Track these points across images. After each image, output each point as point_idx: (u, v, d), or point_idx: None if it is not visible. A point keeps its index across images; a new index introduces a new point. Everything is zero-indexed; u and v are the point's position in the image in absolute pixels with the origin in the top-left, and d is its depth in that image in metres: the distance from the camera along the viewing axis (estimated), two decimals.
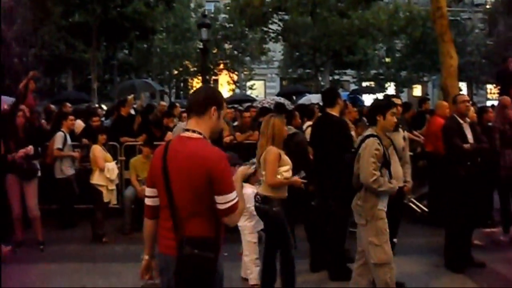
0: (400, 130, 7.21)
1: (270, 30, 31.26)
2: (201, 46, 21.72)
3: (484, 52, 41.82)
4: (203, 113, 3.62)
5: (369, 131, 5.98)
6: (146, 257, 3.86)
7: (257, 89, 44.50)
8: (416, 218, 10.39)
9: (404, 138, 7.20)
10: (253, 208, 6.42)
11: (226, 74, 41.94)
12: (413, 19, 33.84)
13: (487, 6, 46.22)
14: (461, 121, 7.75)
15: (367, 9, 28.60)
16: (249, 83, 43.43)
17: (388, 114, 5.97)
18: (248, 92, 40.62)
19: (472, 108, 8.77)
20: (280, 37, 31.62)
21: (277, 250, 6.28)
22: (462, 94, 8.44)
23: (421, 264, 7.72)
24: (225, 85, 42.41)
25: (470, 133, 7.77)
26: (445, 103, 10.22)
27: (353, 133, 8.76)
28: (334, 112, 7.24)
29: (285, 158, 6.15)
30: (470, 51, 42.89)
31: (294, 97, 25.14)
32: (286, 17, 30.14)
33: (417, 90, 48.97)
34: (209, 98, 3.68)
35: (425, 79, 44.37)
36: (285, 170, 6.09)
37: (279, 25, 30.90)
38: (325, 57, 31.67)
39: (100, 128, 10.45)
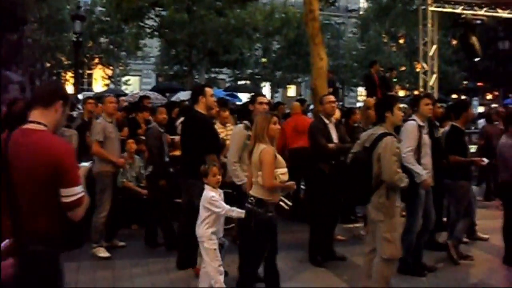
0: None
1: (146, 26, 30.82)
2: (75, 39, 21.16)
3: (355, 55, 43.51)
4: (49, 106, 3.52)
5: (380, 129, 6.15)
6: None
7: (133, 85, 43.84)
8: (282, 214, 10.62)
9: None
10: (217, 211, 6.18)
11: (100, 69, 40.98)
12: (288, 20, 34.63)
13: (360, 12, 48.15)
14: (327, 121, 8.04)
15: (243, 9, 28.89)
16: (124, 79, 42.69)
17: (396, 109, 6.21)
18: (123, 87, 39.93)
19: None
20: (156, 32, 31.24)
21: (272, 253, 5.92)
22: (328, 95, 8.71)
23: (286, 259, 7.85)
24: (99, 80, 41.50)
25: (335, 133, 8.07)
26: (297, 104, 11.03)
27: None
28: (200, 108, 7.28)
29: (280, 159, 5.82)
30: (342, 55, 44.48)
31: (167, 94, 25.08)
32: (164, 13, 29.86)
33: (292, 91, 50.19)
34: (57, 92, 3.63)
35: (299, 80, 45.55)
36: (282, 173, 5.71)
37: (155, 21, 30.54)
38: (201, 55, 31.68)
39: None
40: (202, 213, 6.30)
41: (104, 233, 8.27)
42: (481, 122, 17.84)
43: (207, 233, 6.25)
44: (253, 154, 5.75)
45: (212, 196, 6.23)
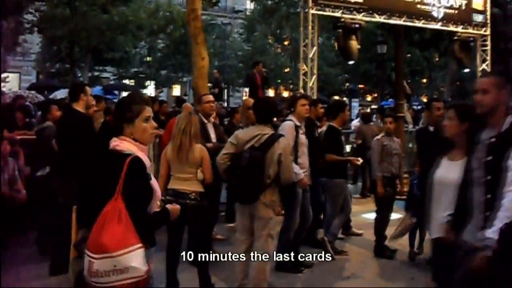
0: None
1: (25, 20, 29.63)
2: None
3: (241, 56, 43.89)
4: None
5: (267, 129, 6.31)
6: None
7: (11, 82, 41.99)
8: None
9: None
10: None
11: None
12: (173, 19, 34.43)
13: (247, 13, 48.62)
14: (205, 121, 8.07)
15: (127, 6, 28.46)
16: (2, 76, 40.82)
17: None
18: (1, 85, 38.25)
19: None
20: (36, 28, 30.08)
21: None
22: (207, 94, 8.75)
23: (163, 260, 7.85)
24: None
25: (213, 132, 8.12)
26: (188, 105, 10.95)
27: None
28: (79, 107, 7.14)
29: None
30: (228, 55, 44.73)
31: (46, 92, 24.38)
32: (44, 7, 28.89)
33: (176, 90, 49.99)
34: None
35: (184, 79, 45.41)
36: None
37: (35, 16, 29.43)
38: (84, 52, 30.87)
39: None
40: None
41: None
42: (355, 122, 18.57)
43: None
44: (190, 153, 6.18)
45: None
